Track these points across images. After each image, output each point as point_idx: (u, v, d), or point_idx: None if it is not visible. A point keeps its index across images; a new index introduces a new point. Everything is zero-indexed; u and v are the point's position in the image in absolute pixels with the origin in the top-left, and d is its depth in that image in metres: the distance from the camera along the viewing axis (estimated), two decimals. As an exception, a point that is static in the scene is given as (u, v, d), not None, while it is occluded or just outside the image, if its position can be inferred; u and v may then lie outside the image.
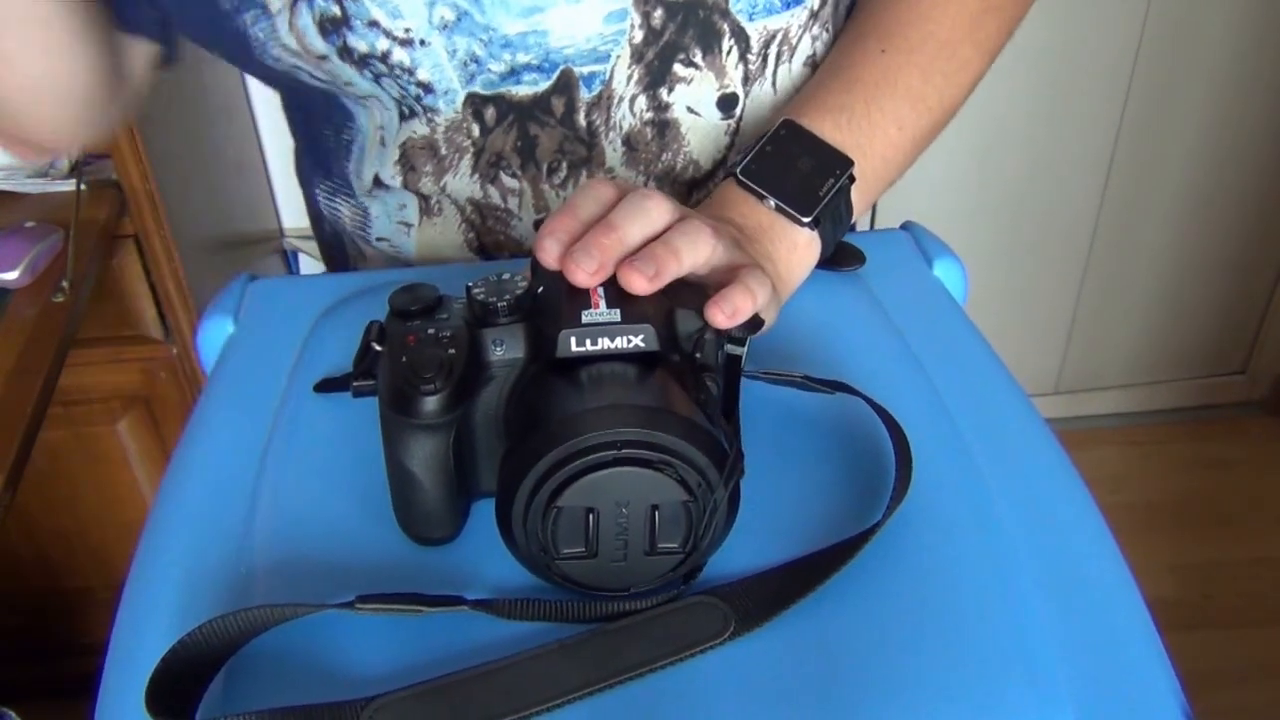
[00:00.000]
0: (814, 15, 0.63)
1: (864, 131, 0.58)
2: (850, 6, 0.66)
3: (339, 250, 0.74)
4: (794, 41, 0.63)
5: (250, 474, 0.47)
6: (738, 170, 0.55)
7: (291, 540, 0.44)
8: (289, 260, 1.76)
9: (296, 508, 0.45)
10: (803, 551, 0.42)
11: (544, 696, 0.37)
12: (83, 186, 1.19)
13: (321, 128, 0.67)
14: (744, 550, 0.42)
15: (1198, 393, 2.13)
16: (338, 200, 0.70)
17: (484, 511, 0.42)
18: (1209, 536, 1.88)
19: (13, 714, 1.06)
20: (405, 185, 0.65)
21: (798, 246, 0.55)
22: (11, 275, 1.09)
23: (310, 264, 1.74)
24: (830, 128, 0.57)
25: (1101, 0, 1.68)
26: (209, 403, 0.53)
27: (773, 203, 0.54)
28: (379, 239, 0.70)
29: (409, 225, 0.67)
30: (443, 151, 0.62)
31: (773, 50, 0.62)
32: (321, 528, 0.44)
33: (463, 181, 0.63)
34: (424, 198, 0.65)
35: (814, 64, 0.65)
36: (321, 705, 0.36)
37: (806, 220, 0.54)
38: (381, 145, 0.64)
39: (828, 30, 0.65)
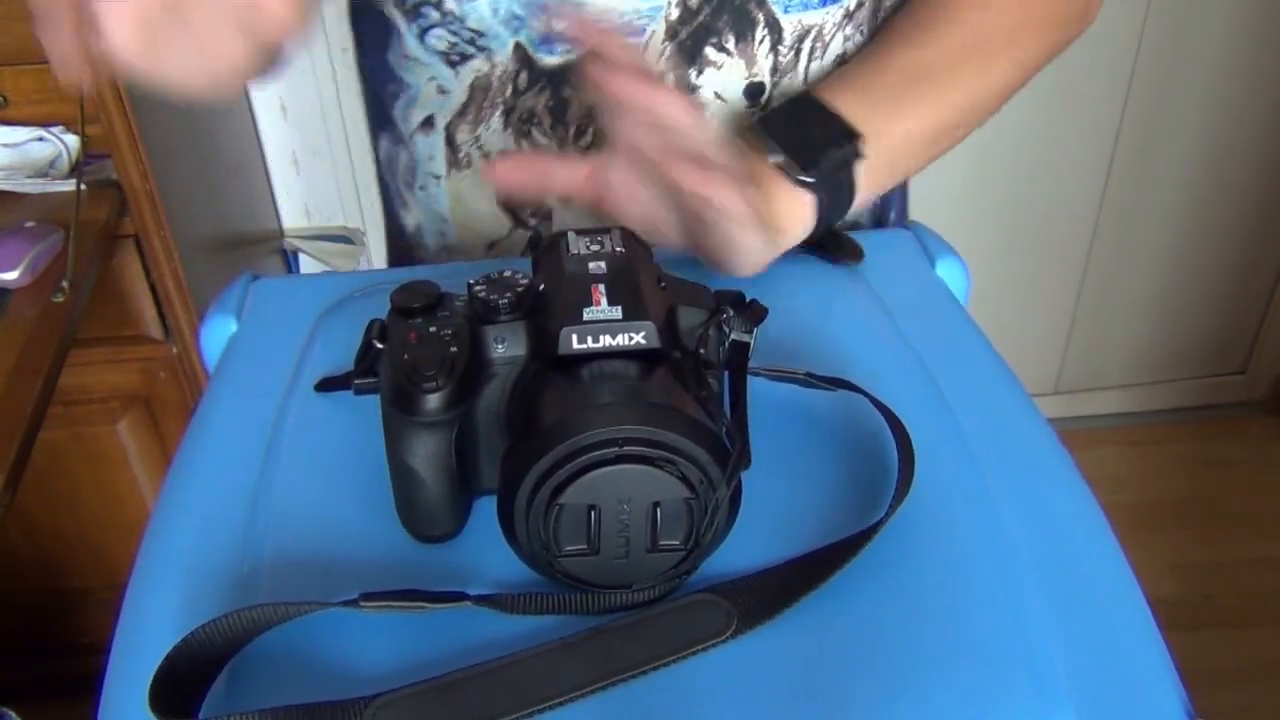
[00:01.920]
0: (849, 15, 0.64)
1: (881, 117, 0.58)
2: (886, 12, 0.67)
3: (393, 213, 0.75)
4: (827, 39, 0.63)
5: (253, 472, 0.47)
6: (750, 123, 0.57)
7: (294, 538, 0.44)
8: (289, 260, 1.76)
9: (299, 506, 0.45)
10: (805, 549, 0.42)
11: (547, 694, 0.37)
12: (83, 186, 1.19)
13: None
14: (746, 548, 0.42)
15: (1198, 393, 2.13)
16: (386, 143, 0.72)
17: (486, 509, 0.42)
18: (1209, 536, 1.87)
19: (13, 714, 1.06)
20: (448, 127, 0.65)
21: (795, 201, 0.56)
22: (11, 275, 1.08)
23: (310, 264, 1.74)
24: (847, 106, 0.58)
25: (1101, 0, 1.68)
26: (211, 401, 0.53)
27: (779, 156, 0.56)
28: (420, 188, 0.70)
29: (437, 177, 0.68)
30: (484, 102, 0.63)
31: (806, 45, 0.63)
32: (324, 526, 0.44)
33: (495, 135, 0.64)
34: (454, 148, 0.66)
35: (844, 63, 0.65)
36: (325, 703, 0.36)
37: (805, 176, 0.55)
38: (440, 94, 0.64)
39: (861, 32, 0.65)
